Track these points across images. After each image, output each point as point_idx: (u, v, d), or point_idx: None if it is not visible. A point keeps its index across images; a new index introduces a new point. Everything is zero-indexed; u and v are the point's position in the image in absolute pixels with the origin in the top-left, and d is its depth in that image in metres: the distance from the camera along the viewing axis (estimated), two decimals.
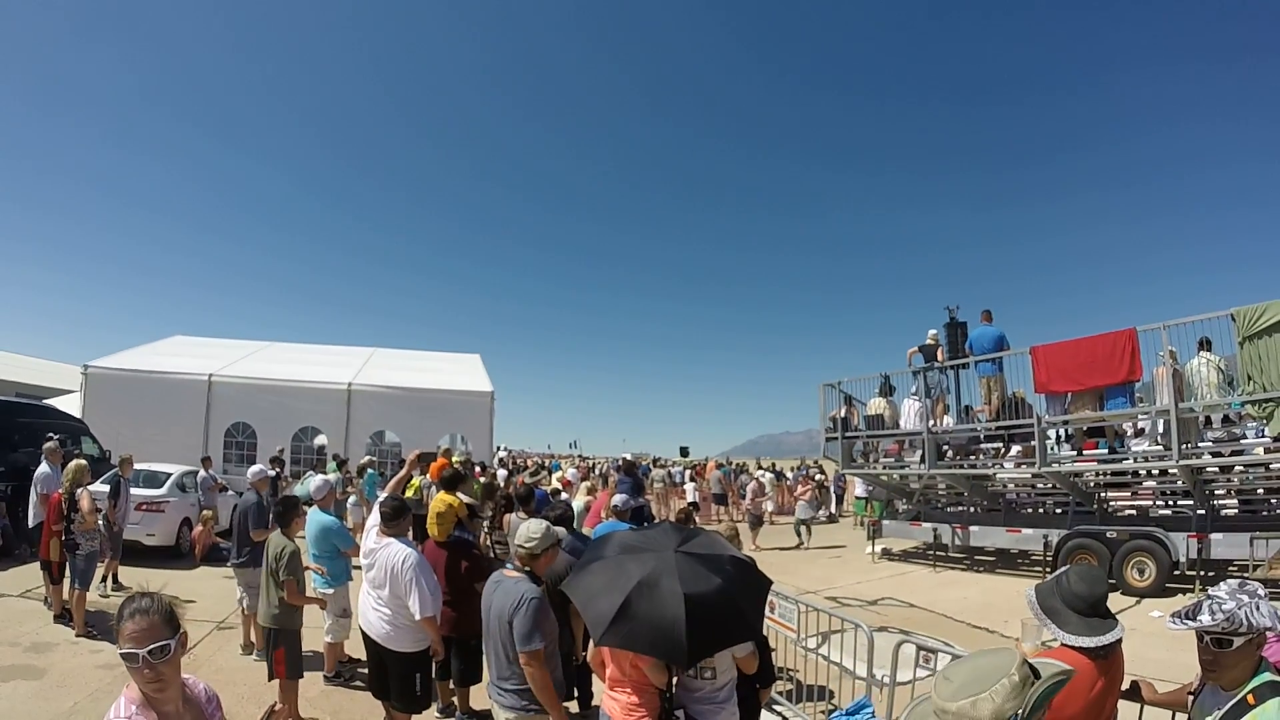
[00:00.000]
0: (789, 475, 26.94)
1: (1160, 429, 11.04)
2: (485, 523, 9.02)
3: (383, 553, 5.32)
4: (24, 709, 5.97)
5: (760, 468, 28.00)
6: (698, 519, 9.19)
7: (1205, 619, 2.40)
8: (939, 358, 14.09)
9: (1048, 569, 12.10)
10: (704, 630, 3.32)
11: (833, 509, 25.07)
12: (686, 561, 3.56)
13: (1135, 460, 11.82)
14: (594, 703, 6.12)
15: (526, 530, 4.15)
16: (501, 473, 14.47)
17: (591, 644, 3.98)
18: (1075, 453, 12.48)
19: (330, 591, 6.85)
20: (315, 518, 6.85)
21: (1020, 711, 1.73)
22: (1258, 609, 2.34)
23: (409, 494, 11.84)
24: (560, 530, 4.44)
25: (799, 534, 17.56)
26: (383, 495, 5.94)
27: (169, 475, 13.14)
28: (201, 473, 14.41)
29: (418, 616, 5.15)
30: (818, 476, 26.81)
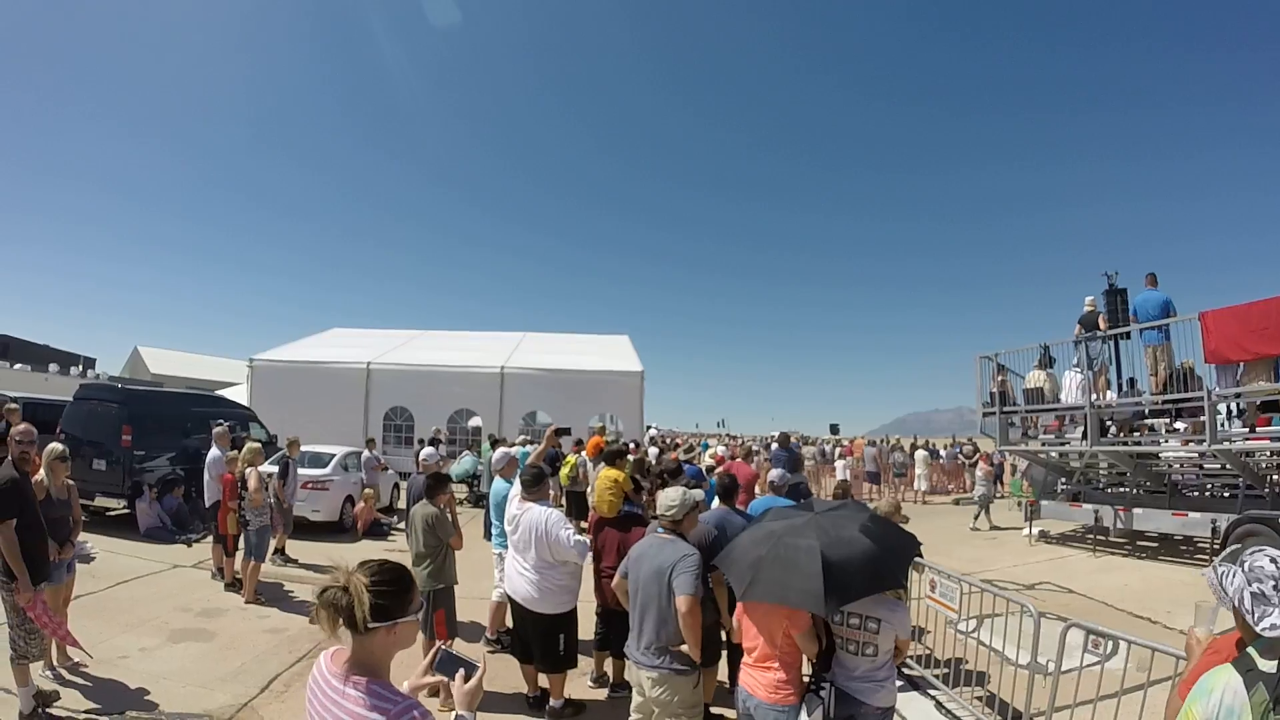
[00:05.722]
0: (942, 453, 26.07)
1: None
2: (648, 496, 9.18)
3: (525, 516, 5.60)
4: (195, 668, 6.48)
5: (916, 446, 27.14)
6: (852, 496, 9.08)
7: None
8: (1100, 326, 13.15)
9: (1215, 557, 11.18)
10: (842, 578, 3.33)
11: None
12: (826, 519, 3.68)
13: None
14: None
15: (665, 499, 4.44)
16: (653, 451, 14.75)
17: (735, 619, 4.09)
18: (1247, 429, 11.25)
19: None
20: (499, 487, 7.23)
21: None
22: (1230, 577, 2.16)
23: (564, 472, 12.13)
24: (697, 494, 4.62)
25: (983, 514, 17.01)
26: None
27: (333, 456, 14.03)
28: (366, 453, 15.37)
29: (579, 560, 5.51)
30: (974, 456, 25.90)
